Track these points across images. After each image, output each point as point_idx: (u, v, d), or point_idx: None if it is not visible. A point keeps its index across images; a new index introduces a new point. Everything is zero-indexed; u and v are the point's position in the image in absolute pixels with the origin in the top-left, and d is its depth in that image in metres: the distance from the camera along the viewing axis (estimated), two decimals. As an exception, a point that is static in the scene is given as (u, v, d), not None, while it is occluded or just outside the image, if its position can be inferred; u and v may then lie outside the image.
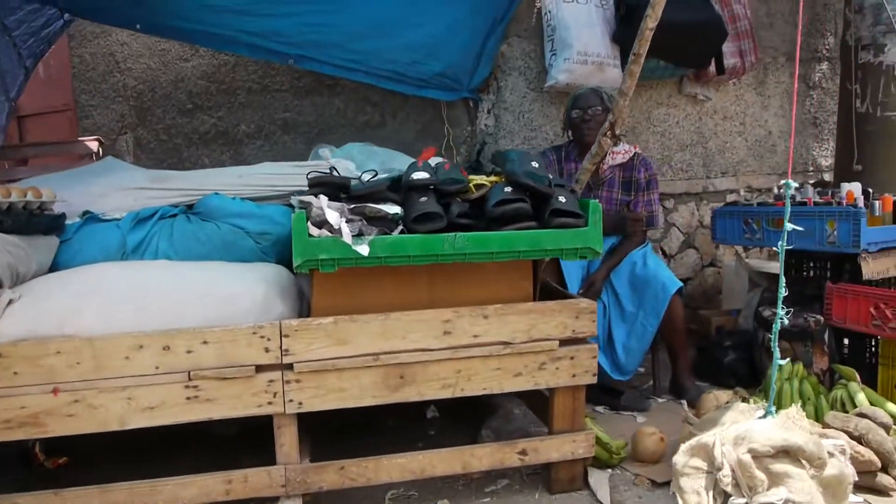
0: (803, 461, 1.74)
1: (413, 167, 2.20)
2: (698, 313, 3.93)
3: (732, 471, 1.71)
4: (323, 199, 1.98)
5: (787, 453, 1.73)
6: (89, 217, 2.47)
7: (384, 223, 2.07)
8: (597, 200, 2.18)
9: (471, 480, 2.47)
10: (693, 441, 1.87)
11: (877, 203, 2.95)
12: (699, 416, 2.47)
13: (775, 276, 3.57)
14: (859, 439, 2.27)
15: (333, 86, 4.07)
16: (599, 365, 3.06)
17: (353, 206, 2.03)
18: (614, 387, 3.14)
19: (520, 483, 2.45)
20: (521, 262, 2.24)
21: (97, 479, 2.06)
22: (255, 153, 4.27)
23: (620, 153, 3.20)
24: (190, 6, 3.44)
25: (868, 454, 2.21)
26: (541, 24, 3.74)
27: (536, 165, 2.20)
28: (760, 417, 1.91)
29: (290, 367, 2.08)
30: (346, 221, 1.99)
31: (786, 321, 1.86)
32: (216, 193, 2.57)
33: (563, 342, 2.25)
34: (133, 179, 2.74)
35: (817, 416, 2.57)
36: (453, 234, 2.06)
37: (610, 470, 2.48)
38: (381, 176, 2.22)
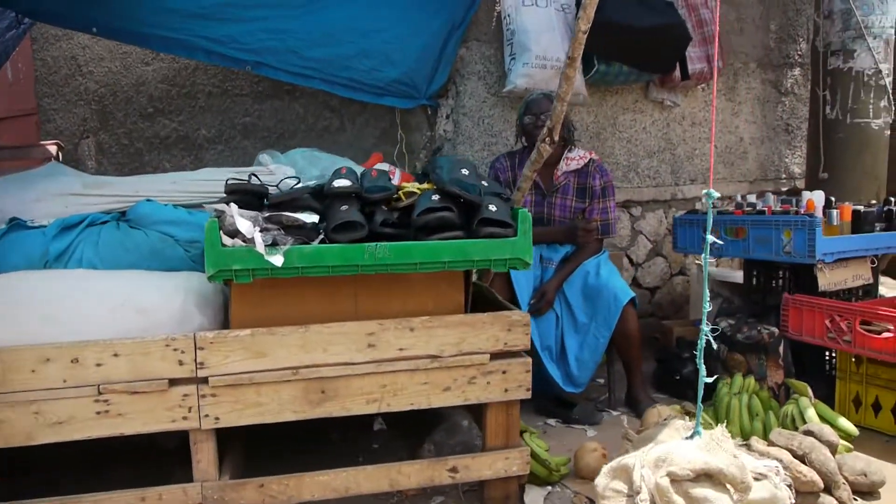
0: (727, 485, 1.66)
1: (336, 174, 2.12)
2: (661, 323, 3.85)
3: (651, 495, 1.63)
4: (234, 207, 1.90)
5: (710, 477, 1.65)
6: (15, 224, 2.40)
7: (303, 232, 1.99)
8: (526, 210, 2.09)
9: (405, 497, 2.39)
10: (614, 462, 1.79)
11: (834, 212, 2.88)
12: (642, 432, 2.38)
13: (737, 286, 3.51)
14: (803, 458, 2.19)
15: (293, 90, 4.00)
16: (551, 377, 3.00)
17: (268, 214, 1.95)
18: (568, 399, 3.06)
19: (456, 500, 2.37)
20: (452, 272, 2.17)
21: (26, 493, 1.98)
22: (216, 158, 4.20)
23: (575, 159, 3.12)
24: (146, 10, 3.39)
25: (810, 474, 2.13)
26: (500, 28, 3.67)
27: (466, 173, 2.12)
28: (687, 438, 1.83)
29: (205, 380, 2.00)
30: (262, 230, 1.92)
31: (710, 337, 1.78)
32: (147, 200, 2.50)
33: (495, 356, 2.17)
34: (69, 185, 2.66)
35: (765, 433, 2.49)
36: (374, 244, 1.98)
37: (549, 487, 2.40)
38: (305, 183, 2.14)
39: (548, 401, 3.11)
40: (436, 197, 2.08)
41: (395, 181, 2.94)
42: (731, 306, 3.16)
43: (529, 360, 2.20)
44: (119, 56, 4.32)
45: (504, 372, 2.18)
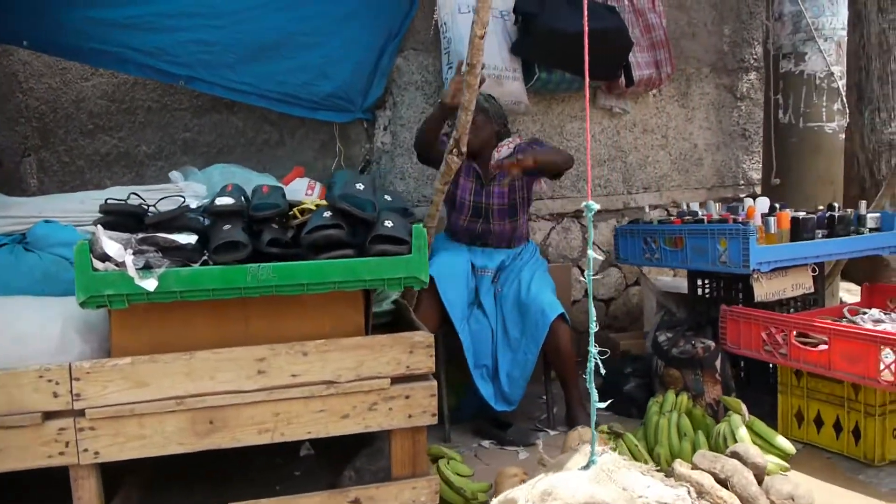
0: (619, 517, 1.55)
1: (221, 192, 2.02)
2: (609, 336, 3.74)
3: (535, 530, 1.52)
4: (100, 229, 1.79)
5: (599, 509, 1.54)
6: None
7: (185, 254, 1.88)
8: (420, 226, 1.98)
9: (314, 529, 2.26)
10: (502, 496, 1.68)
11: (771, 220, 2.77)
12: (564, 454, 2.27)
13: (681, 297, 3.40)
14: (725, 482, 2.08)
15: (232, 105, 3.90)
16: (483, 396, 2.89)
17: (142, 236, 1.84)
18: (505, 420, 2.95)
19: (367, 532, 2.24)
20: (350, 292, 2.05)
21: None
22: (157, 174, 4.09)
23: (505, 146, 3.11)
24: (75, 20, 3.31)
25: (731, 500, 2.01)
26: (438, 37, 3.57)
27: (361, 188, 2.02)
28: (583, 467, 1.71)
29: (82, 413, 1.89)
30: (135, 253, 1.81)
31: (598, 360, 1.67)
32: (46, 221, 2.40)
33: (396, 380, 2.06)
34: (-28, 207, 2.56)
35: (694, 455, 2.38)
36: (257, 265, 1.88)
37: (466, 516, 2.28)
38: (189, 203, 2.04)
39: (486, 421, 3.00)
40: (328, 214, 1.97)
41: (314, 196, 2.85)
42: (671, 319, 3.05)
43: (434, 383, 2.09)
44: (59, 72, 4.22)
45: (407, 397, 2.06)
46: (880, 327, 2.77)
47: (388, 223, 1.99)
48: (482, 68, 2.30)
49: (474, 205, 3.07)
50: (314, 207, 2.07)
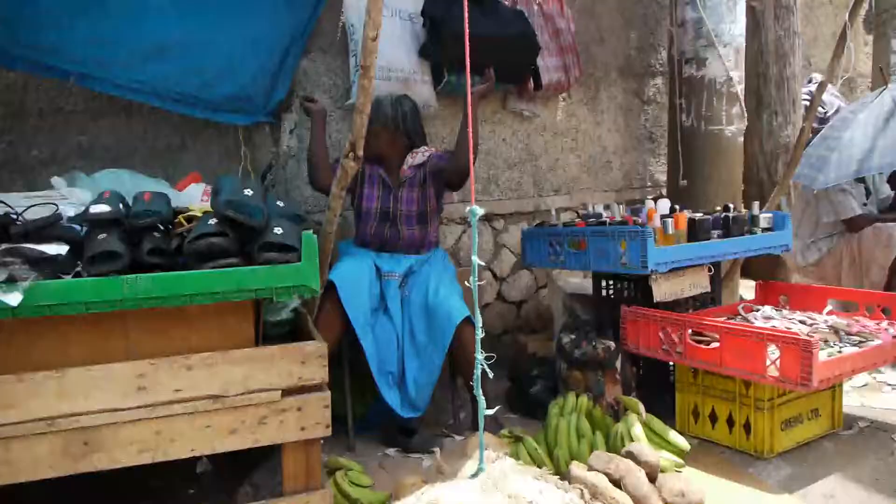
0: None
1: (98, 199, 1.92)
2: (518, 338, 3.76)
3: (420, 543, 1.49)
4: (-45, 241, 1.67)
5: (484, 518, 1.53)
6: None
7: (57, 266, 1.78)
8: (310, 233, 1.93)
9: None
10: (388, 507, 1.65)
11: (669, 221, 2.83)
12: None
13: (588, 298, 3.45)
14: (619, 482, 2.11)
15: (131, 107, 3.74)
16: (389, 403, 2.86)
17: (6, 247, 1.73)
18: (412, 427, 2.92)
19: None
20: (239, 303, 1.99)
21: None
22: (50, 182, 3.89)
23: (420, 153, 3.10)
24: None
25: (624, 500, 2.04)
26: (346, 39, 3.52)
27: (250, 193, 1.95)
28: (472, 476, 1.70)
29: (-58, 439, 1.76)
30: (-3, 266, 1.69)
31: (485, 366, 1.66)
32: None
33: (288, 392, 2.00)
34: None
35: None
36: (134, 276, 1.79)
37: (364, 528, 2.24)
38: (66, 211, 1.93)
39: (394, 429, 2.96)
40: (213, 221, 1.90)
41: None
42: (576, 320, 3.08)
43: (328, 394, 2.04)
44: (-59, 72, 3.96)
45: (300, 409, 2.01)
46: (771, 324, 2.88)
47: (278, 230, 1.93)
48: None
49: (381, 211, 3.04)
50: (201, 215, 2.00)
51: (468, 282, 1.81)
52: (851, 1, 3.88)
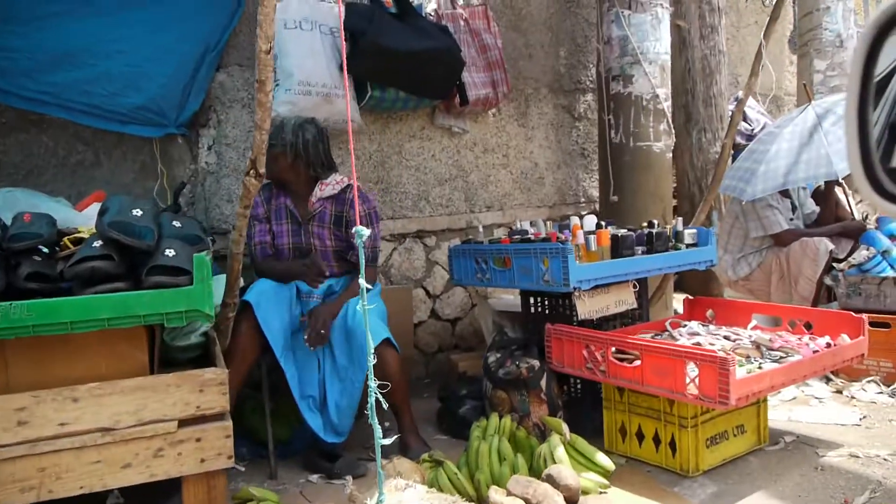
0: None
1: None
2: (450, 357, 3.70)
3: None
4: None
5: (383, 554, 1.45)
6: None
7: (-78, 293, 1.64)
8: (203, 256, 1.83)
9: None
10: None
11: (591, 238, 2.81)
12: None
13: (517, 316, 3.41)
14: (537, 506, 2.04)
15: (40, 121, 3.56)
16: (312, 428, 2.76)
17: None
18: (335, 451, 2.81)
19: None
20: (130, 329, 1.87)
21: None
22: (-46, 200, 3.67)
23: (330, 184, 2.93)
24: None
25: (542, 524, 1.98)
26: (266, 53, 3.42)
27: (139, 213, 1.84)
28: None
29: None
30: None
31: (378, 394, 1.58)
32: None
33: (186, 422, 1.89)
34: None
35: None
36: (8, 303, 1.66)
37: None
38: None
39: (317, 454, 2.85)
40: (98, 244, 1.78)
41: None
42: (503, 339, 3.03)
43: (229, 423, 1.94)
44: None
45: (198, 440, 1.90)
46: (696, 340, 2.87)
47: (170, 252, 1.82)
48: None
49: (294, 247, 2.94)
50: (87, 236, 1.87)
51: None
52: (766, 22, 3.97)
